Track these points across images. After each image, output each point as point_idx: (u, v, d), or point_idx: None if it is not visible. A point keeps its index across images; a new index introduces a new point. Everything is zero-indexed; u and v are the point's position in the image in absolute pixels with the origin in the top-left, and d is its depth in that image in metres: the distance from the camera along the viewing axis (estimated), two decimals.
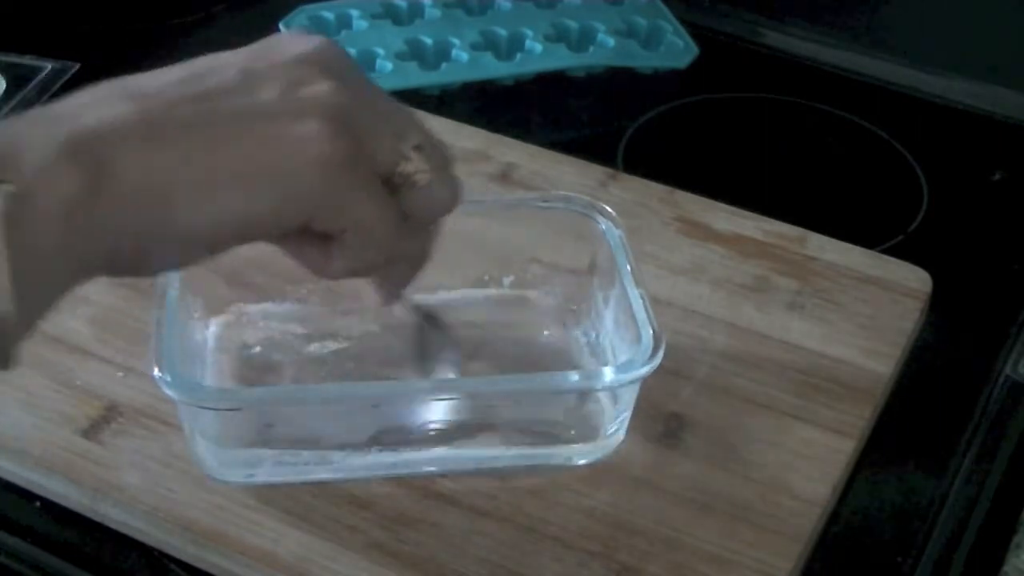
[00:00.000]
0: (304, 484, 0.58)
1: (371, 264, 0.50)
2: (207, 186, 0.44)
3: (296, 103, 0.45)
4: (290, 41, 0.48)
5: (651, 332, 0.57)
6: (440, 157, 0.50)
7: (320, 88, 0.45)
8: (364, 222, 0.47)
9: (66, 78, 0.87)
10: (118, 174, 0.42)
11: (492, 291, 0.68)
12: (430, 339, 0.60)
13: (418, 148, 0.48)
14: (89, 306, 0.66)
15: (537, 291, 0.68)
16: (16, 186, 0.39)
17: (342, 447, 0.59)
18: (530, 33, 0.93)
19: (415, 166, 0.48)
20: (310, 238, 0.48)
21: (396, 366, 0.64)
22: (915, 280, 0.72)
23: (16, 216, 0.39)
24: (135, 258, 0.44)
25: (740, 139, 0.90)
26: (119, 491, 0.58)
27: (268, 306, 0.66)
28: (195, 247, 0.45)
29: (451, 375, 0.60)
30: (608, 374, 0.58)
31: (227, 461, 0.59)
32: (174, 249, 0.45)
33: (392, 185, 0.48)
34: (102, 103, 0.43)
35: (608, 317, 0.64)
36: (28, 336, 0.41)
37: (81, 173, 0.41)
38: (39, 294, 0.41)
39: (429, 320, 0.60)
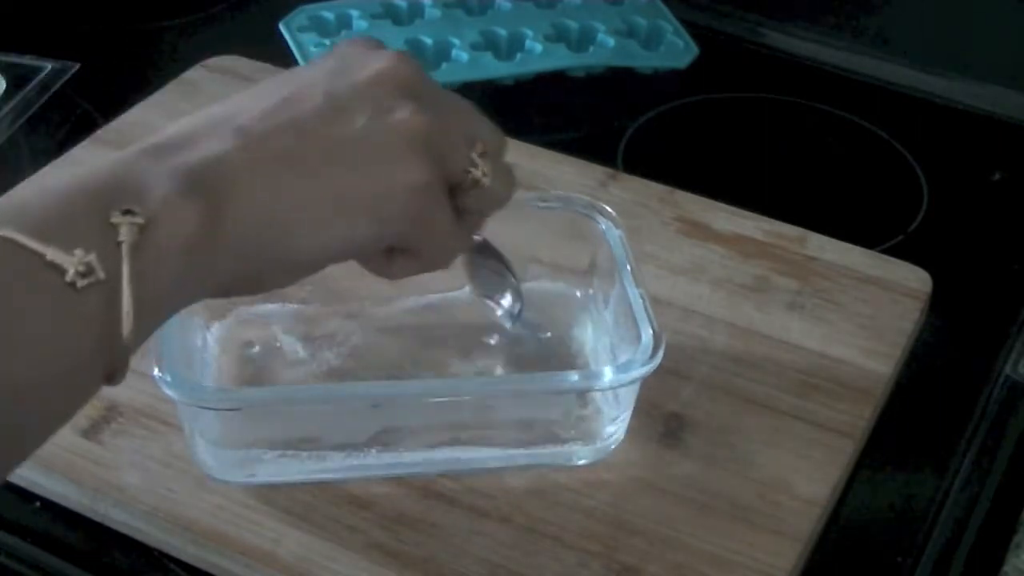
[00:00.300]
0: (304, 484, 0.58)
1: (435, 268, 0.53)
2: (316, 217, 0.46)
3: (385, 133, 0.48)
4: (365, 57, 0.50)
5: (651, 332, 0.57)
6: (497, 152, 0.52)
7: (403, 114, 0.48)
8: (437, 237, 0.50)
9: (66, 78, 0.87)
10: (234, 208, 0.44)
11: None
12: (484, 271, 0.61)
13: (483, 153, 0.51)
14: None
15: (537, 291, 0.68)
16: (143, 219, 0.41)
17: (342, 447, 0.59)
18: (530, 33, 0.93)
19: (481, 170, 0.51)
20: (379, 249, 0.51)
21: (396, 366, 0.64)
22: (915, 280, 0.72)
23: (141, 247, 0.41)
24: (246, 284, 0.47)
25: (740, 139, 0.90)
26: (119, 491, 0.58)
27: (269, 307, 0.66)
28: (303, 270, 0.48)
29: (512, 304, 0.61)
30: (608, 374, 0.58)
31: (227, 461, 0.59)
32: (284, 273, 0.48)
33: (457, 187, 0.51)
34: (208, 136, 0.45)
35: (608, 317, 0.64)
36: (135, 352, 0.42)
37: (200, 207, 0.43)
38: (155, 318, 0.43)
39: (481, 250, 0.61)
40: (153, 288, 0.42)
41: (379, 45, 0.51)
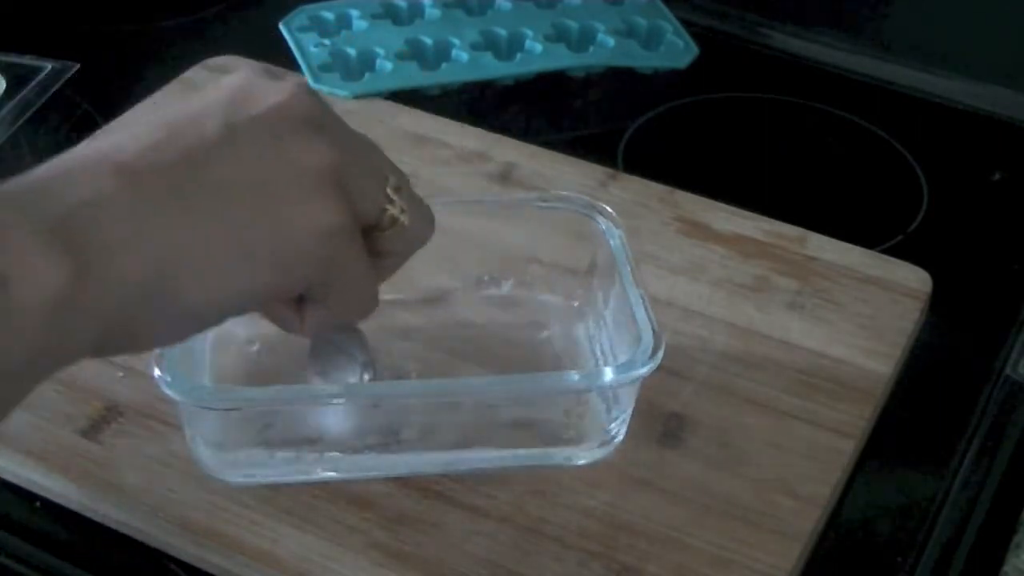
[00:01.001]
0: (304, 484, 0.58)
1: (349, 318, 0.49)
2: (207, 264, 0.42)
3: (287, 170, 0.43)
4: (262, 88, 0.46)
5: (651, 332, 0.57)
6: (408, 188, 0.48)
7: (306, 149, 0.44)
8: (352, 284, 0.47)
9: (66, 78, 0.87)
10: (107, 258, 0.40)
11: (492, 291, 0.68)
12: (331, 348, 0.57)
13: (397, 188, 0.47)
14: None
15: (537, 291, 0.68)
16: None
17: (342, 447, 0.59)
18: (530, 33, 0.93)
19: (399, 207, 0.47)
20: (283, 302, 0.48)
21: (397, 367, 0.64)
22: (915, 280, 0.72)
23: None
24: (125, 341, 0.42)
25: (740, 139, 0.90)
26: (119, 491, 0.58)
27: None
28: (193, 326, 0.44)
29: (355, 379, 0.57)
30: (608, 374, 0.58)
31: (227, 461, 0.59)
32: (170, 330, 0.44)
33: (372, 228, 0.47)
34: (84, 176, 0.41)
35: (608, 317, 0.64)
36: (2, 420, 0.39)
37: (66, 259, 0.39)
38: (17, 386, 0.40)
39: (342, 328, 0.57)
40: (12, 353, 0.38)
41: (277, 75, 0.47)
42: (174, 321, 0.43)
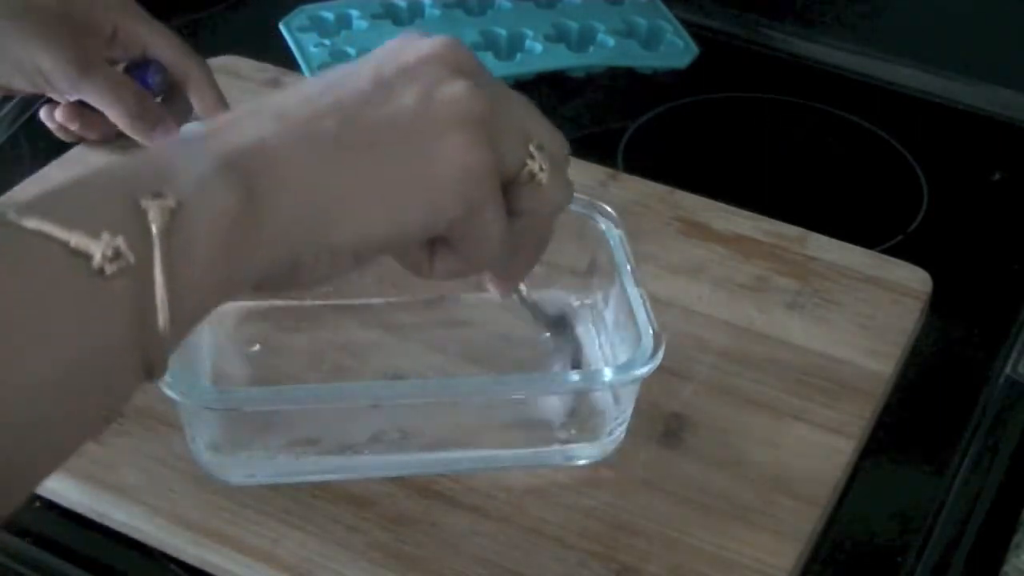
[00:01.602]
0: (304, 484, 0.58)
1: (478, 267, 0.51)
2: (360, 202, 0.44)
3: (435, 110, 0.45)
4: (414, 42, 0.48)
5: (651, 332, 0.57)
6: (557, 153, 0.50)
7: (455, 91, 0.46)
8: (486, 229, 0.48)
9: None
10: (272, 191, 0.42)
11: (492, 292, 0.68)
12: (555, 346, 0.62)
13: (540, 147, 0.48)
14: None
15: (537, 291, 0.68)
16: (174, 202, 0.39)
17: (342, 447, 0.59)
18: (530, 33, 0.93)
19: (538, 165, 0.48)
20: (416, 244, 0.49)
21: (397, 366, 0.64)
22: (915, 280, 0.72)
23: (173, 232, 0.39)
24: (284, 275, 0.45)
25: (740, 139, 0.90)
26: (119, 491, 0.58)
27: (269, 306, 0.66)
28: (346, 258, 0.46)
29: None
30: (608, 374, 0.58)
31: (227, 461, 0.59)
32: (325, 262, 0.45)
33: (512, 183, 0.48)
34: (248, 121, 0.44)
35: (608, 317, 0.64)
36: (176, 347, 0.41)
37: (236, 189, 0.41)
38: (192, 309, 0.41)
39: (553, 325, 0.62)
40: (188, 275, 0.40)
41: (438, 35, 0.49)
42: (328, 254, 0.45)
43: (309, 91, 0.46)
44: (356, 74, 0.46)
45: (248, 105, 0.45)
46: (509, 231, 0.49)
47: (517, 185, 0.48)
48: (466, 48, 0.48)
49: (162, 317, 0.39)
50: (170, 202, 0.39)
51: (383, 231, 0.45)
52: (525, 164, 0.48)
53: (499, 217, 0.48)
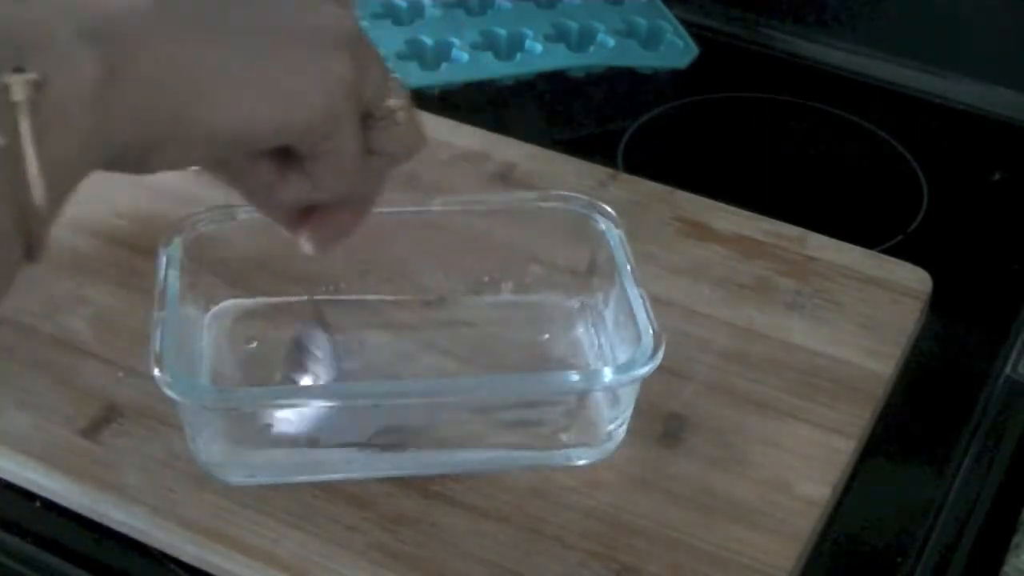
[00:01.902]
0: (304, 484, 0.58)
1: (327, 194, 0.51)
2: (222, 89, 0.44)
3: (317, 19, 0.46)
4: None
5: (651, 332, 0.57)
6: (409, 99, 0.51)
7: (338, 10, 0.47)
8: (343, 149, 0.48)
9: None
10: (136, 61, 0.42)
11: (491, 291, 0.68)
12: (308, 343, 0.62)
13: (402, 88, 0.49)
14: (89, 306, 0.66)
15: (537, 292, 0.68)
16: (38, 74, 0.39)
17: (342, 447, 0.59)
18: (530, 33, 0.93)
19: (398, 103, 0.49)
20: (269, 159, 0.49)
21: (395, 366, 0.64)
22: (915, 280, 0.72)
23: (39, 104, 0.39)
24: (137, 154, 0.44)
25: (740, 139, 0.90)
26: (119, 491, 0.58)
27: (268, 305, 0.66)
28: (198, 148, 0.46)
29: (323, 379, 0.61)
30: (608, 374, 0.58)
31: (227, 461, 0.59)
32: (178, 149, 0.45)
33: (369, 118, 0.49)
34: None
35: (608, 317, 0.64)
36: (53, 223, 0.40)
37: (100, 58, 0.41)
38: (64, 181, 0.41)
39: (317, 323, 0.61)
40: (59, 148, 0.39)
41: None
42: (182, 137, 0.45)
43: None
44: None
45: None
46: (361, 160, 0.49)
47: (374, 119, 0.49)
48: None
49: (37, 193, 0.39)
50: (33, 75, 0.39)
51: (239, 124, 0.45)
52: (384, 99, 0.49)
53: (356, 137, 0.48)
